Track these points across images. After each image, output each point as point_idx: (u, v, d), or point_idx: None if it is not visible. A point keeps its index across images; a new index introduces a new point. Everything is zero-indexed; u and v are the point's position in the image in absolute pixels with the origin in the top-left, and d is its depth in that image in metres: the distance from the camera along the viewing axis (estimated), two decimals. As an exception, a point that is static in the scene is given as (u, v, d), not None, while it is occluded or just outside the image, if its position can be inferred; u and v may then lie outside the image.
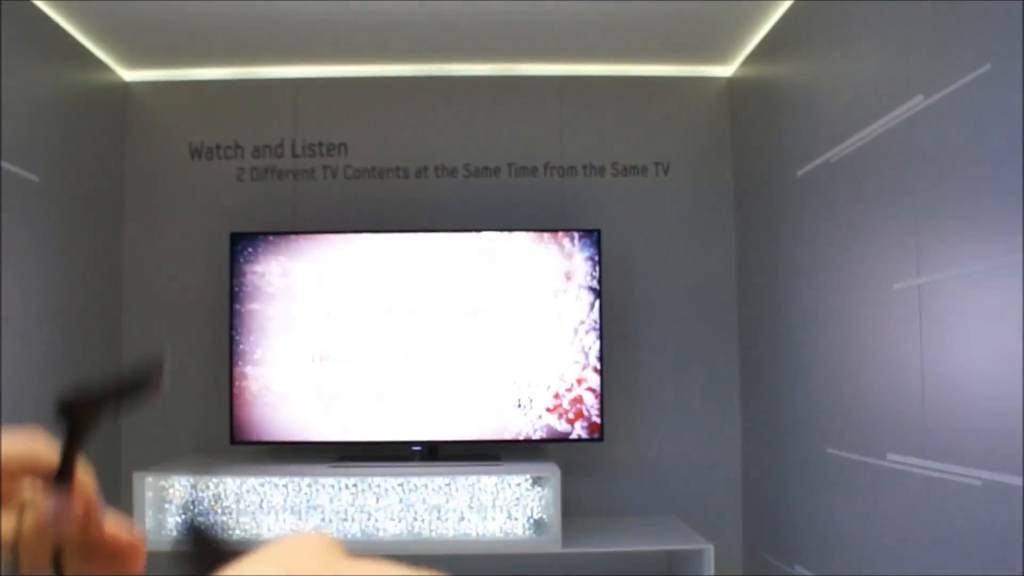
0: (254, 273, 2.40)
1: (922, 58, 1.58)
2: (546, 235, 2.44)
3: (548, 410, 2.38)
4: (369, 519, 2.18)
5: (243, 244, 2.41)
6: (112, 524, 0.39)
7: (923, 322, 1.57)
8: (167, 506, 2.18)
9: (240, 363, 2.39)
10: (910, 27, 1.62)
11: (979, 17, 1.40)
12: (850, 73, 1.90)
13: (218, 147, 2.63)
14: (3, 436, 0.37)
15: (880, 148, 1.73)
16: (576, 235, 2.43)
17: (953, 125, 1.47)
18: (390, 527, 2.17)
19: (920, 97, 1.57)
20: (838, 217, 1.94)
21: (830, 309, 1.98)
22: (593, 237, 2.43)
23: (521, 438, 2.39)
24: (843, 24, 1.93)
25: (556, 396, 2.38)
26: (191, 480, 2.20)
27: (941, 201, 1.51)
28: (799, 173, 2.15)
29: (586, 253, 2.42)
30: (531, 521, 2.19)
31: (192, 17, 2.27)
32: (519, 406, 2.38)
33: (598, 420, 2.39)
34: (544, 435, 2.38)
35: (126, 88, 2.62)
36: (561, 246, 2.43)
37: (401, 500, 2.18)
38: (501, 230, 2.45)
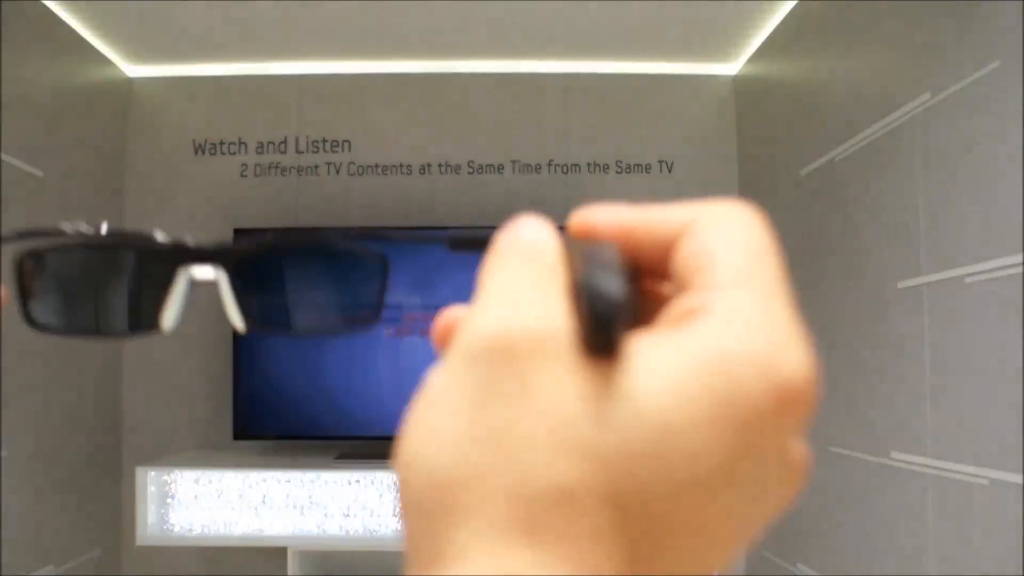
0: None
1: (930, 55, 1.57)
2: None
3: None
4: (371, 515, 2.17)
5: (246, 240, 2.41)
6: None
7: (928, 320, 1.57)
8: (169, 501, 2.18)
9: (243, 358, 2.39)
10: (918, 23, 1.62)
11: (988, 14, 1.40)
12: (856, 70, 1.90)
13: (222, 143, 2.62)
14: None
15: (887, 146, 1.73)
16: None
17: (960, 123, 1.47)
18: (393, 523, 2.17)
19: (928, 95, 1.57)
20: (843, 215, 1.94)
21: (834, 306, 1.98)
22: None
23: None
24: (850, 21, 1.92)
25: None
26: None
27: (946, 199, 1.51)
28: (804, 171, 2.14)
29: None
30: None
31: (196, 13, 2.27)
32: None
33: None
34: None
35: (130, 84, 2.62)
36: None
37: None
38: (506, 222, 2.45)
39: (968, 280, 1.44)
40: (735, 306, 0.21)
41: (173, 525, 2.17)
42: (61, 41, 2.26)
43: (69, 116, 2.28)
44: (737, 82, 2.69)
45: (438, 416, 0.21)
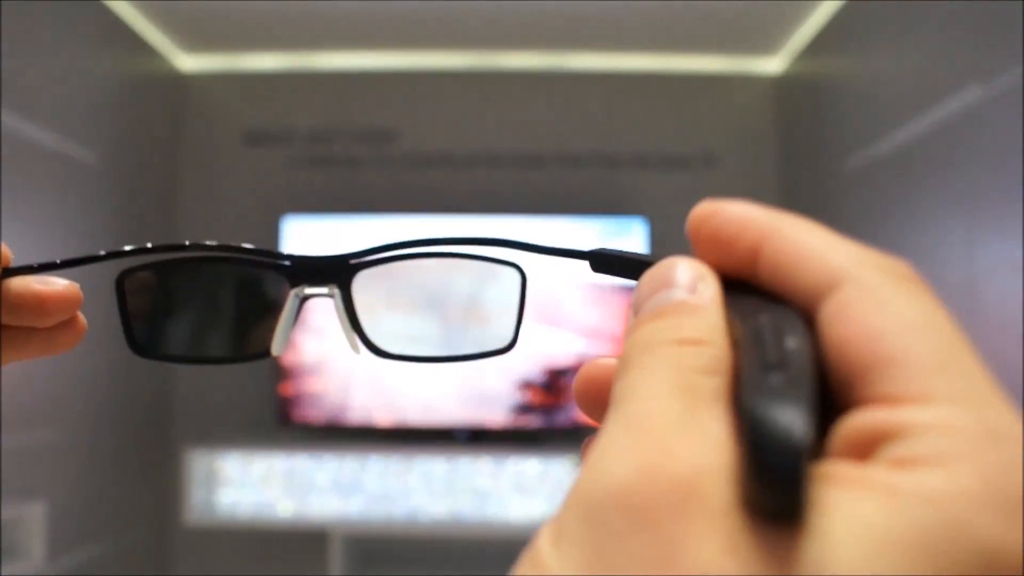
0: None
1: (977, 46, 1.56)
2: (593, 221, 2.46)
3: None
4: (411, 500, 2.21)
5: (295, 228, 2.46)
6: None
7: (974, 318, 1.56)
8: (216, 482, 2.24)
9: (289, 343, 2.43)
10: (961, 16, 1.60)
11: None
12: (900, 64, 1.89)
13: (272, 134, 2.67)
14: None
15: (934, 140, 1.72)
16: (623, 220, 2.45)
17: (1010, 115, 1.45)
18: (434, 510, 2.20)
19: (976, 87, 1.55)
20: (887, 211, 1.93)
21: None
22: (642, 223, 2.45)
23: (564, 424, 2.40)
24: (892, 15, 1.91)
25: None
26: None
27: (995, 196, 1.50)
28: (847, 167, 2.13)
29: (634, 239, 2.44)
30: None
31: (247, 5, 2.32)
32: (561, 391, 2.40)
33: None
34: (587, 421, 2.39)
35: (182, 76, 2.68)
36: (607, 232, 2.44)
37: (446, 482, 2.21)
38: (547, 214, 2.48)
39: (1016, 279, 1.43)
40: (950, 443, 0.15)
41: (221, 506, 2.22)
42: (115, 32, 2.32)
43: (123, 106, 2.34)
44: (781, 78, 2.67)
45: None
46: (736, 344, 0.18)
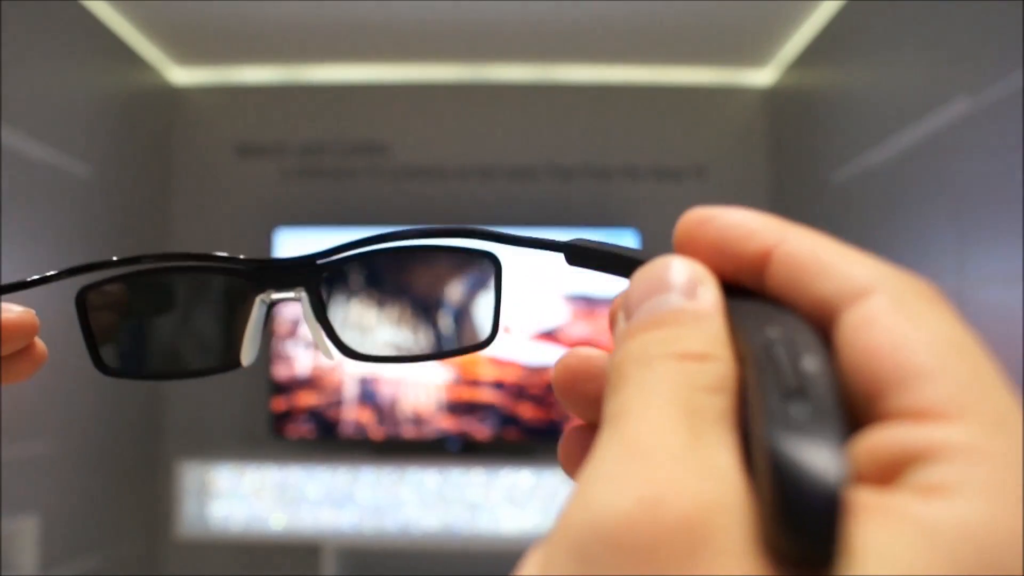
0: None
1: (965, 59, 1.57)
2: (584, 233, 2.46)
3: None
4: (403, 512, 2.21)
5: (287, 240, 2.46)
6: None
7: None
8: (209, 495, 2.23)
9: (280, 357, 2.44)
10: (949, 29, 1.61)
11: None
12: (888, 77, 1.90)
13: (264, 147, 2.68)
14: None
15: (924, 152, 1.73)
16: (614, 232, 2.46)
17: (997, 128, 1.47)
18: (426, 522, 2.20)
19: (963, 100, 1.57)
20: (875, 223, 1.94)
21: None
22: (633, 235, 2.45)
23: (557, 436, 2.40)
24: (881, 28, 1.92)
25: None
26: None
27: (984, 208, 1.51)
28: (835, 179, 2.15)
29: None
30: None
31: (240, 18, 2.33)
32: (553, 403, 2.40)
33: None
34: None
35: (174, 89, 2.68)
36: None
37: (438, 495, 2.21)
38: (538, 226, 2.48)
39: (1005, 291, 1.44)
40: (983, 471, 0.14)
41: (213, 519, 2.22)
42: (108, 46, 2.33)
43: (116, 119, 2.35)
44: (772, 89, 2.69)
45: None
46: (742, 358, 0.17)
